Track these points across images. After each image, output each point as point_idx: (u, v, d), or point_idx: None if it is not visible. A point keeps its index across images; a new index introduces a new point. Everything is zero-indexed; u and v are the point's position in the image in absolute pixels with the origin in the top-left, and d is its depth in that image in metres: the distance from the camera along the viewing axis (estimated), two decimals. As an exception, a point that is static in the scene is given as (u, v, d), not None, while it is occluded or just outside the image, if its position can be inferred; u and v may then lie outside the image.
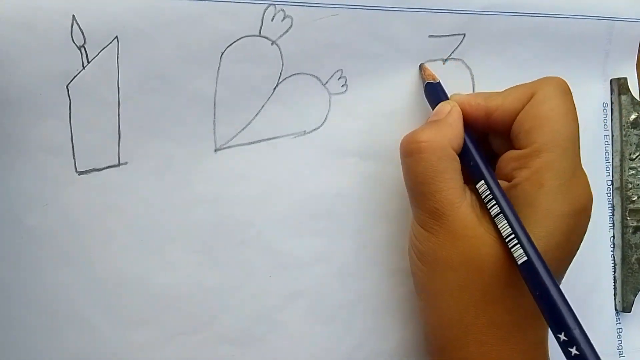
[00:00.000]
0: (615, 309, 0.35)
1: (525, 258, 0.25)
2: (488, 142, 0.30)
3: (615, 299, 0.35)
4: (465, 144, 0.28)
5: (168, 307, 0.28)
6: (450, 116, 0.28)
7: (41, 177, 0.26)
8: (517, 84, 0.29)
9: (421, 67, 0.31)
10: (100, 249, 0.27)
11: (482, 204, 0.27)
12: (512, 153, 0.28)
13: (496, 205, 0.26)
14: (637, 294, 0.35)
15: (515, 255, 0.25)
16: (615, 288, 0.35)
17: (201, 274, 0.29)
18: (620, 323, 0.35)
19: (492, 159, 0.29)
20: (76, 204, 0.27)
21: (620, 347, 0.35)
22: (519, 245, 0.25)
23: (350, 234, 0.31)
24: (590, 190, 0.27)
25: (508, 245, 0.25)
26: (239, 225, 0.29)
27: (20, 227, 0.26)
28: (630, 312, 0.35)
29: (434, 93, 0.30)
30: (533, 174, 0.26)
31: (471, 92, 0.32)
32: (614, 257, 0.35)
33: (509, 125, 0.28)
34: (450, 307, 0.26)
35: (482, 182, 0.27)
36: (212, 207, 0.29)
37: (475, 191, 0.27)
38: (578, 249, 0.27)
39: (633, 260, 0.35)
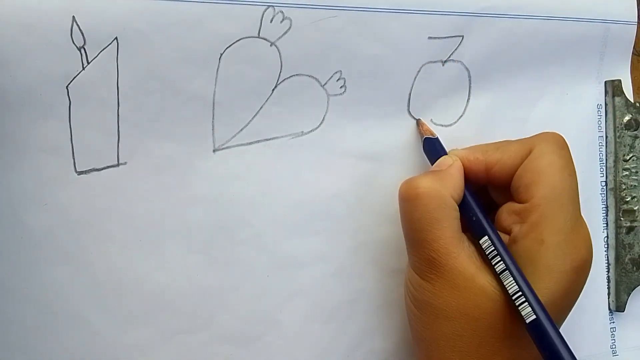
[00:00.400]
0: (609, 309, 0.36)
1: (534, 317, 0.25)
2: (487, 191, 0.31)
3: (609, 298, 0.36)
4: (465, 197, 0.28)
5: (167, 307, 0.29)
6: (452, 168, 0.29)
7: (41, 176, 0.26)
8: (514, 139, 0.30)
9: (418, 123, 0.32)
10: (99, 249, 0.27)
11: (481, 255, 0.27)
12: (512, 206, 0.28)
13: (501, 262, 0.26)
14: (630, 294, 0.35)
15: (523, 313, 0.25)
16: (609, 288, 0.36)
17: (200, 274, 0.29)
18: (613, 322, 0.36)
19: (491, 209, 0.30)
20: (76, 204, 0.27)
21: (614, 346, 0.36)
22: (526, 303, 0.25)
23: (348, 234, 0.31)
24: (590, 243, 0.28)
25: (515, 303, 0.25)
26: (237, 225, 0.29)
27: (20, 226, 0.26)
28: (623, 311, 0.35)
29: (433, 148, 0.31)
30: (533, 229, 0.27)
31: (467, 94, 0.33)
32: (607, 257, 0.36)
33: (509, 179, 0.29)
34: (446, 356, 0.26)
35: (486, 237, 0.27)
36: (211, 207, 0.29)
37: (473, 241, 0.28)
38: (577, 301, 0.28)
39: (626, 260, 0.35)
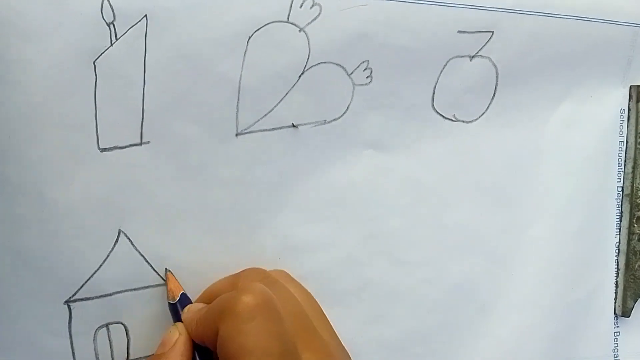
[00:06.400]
0: (615, 313, 0.36)
1: None
2: None
3: (615, 303, 0.36)
4: None
5: (183, 283, 0.29)
6: (172, 352, 0.25)
7: (64, 151, 0.26)
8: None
9: (167, 278, 0.29)
10: (119, 225, 0.27)
11: None
12: None
13: None
14: (637, 300, 0.36)
15: None
16: (616, 293, 0.36)
17: (215, 253, 0.29)
18: (618, 327, 0.36)
19: None
20: (97, 180, 0.27)
21: (616, 350, 0.36)
22: None
23: (360, 223, 0.32)
24: None
25: None
26: (253, 208, 0.30)
27: (42, 199, 0.26)
28: (629, 317, 0.36)
29: (175, 312, 0.28)
30: None
31: (493, 91, 0.33)
32: (617, 263, 0.36)
33: None
34: None
35: None
36: (229, 189, 0.29)
37: None
38: None
39: (636, 267, 0.36)
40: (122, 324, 0.28)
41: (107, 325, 0.28)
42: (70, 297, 0.27)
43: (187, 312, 0.27)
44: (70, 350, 0.28)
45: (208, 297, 0.28)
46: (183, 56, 0.27)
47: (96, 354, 0.28)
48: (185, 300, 0.28)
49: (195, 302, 0.28)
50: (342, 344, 0.29)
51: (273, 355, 0.23)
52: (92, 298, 0.27)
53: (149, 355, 0.28)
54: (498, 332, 0.34)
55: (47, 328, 0.27)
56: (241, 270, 0.29)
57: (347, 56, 0.29)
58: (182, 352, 0.26)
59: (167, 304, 0.28)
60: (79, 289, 0.27)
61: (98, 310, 0.28)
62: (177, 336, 0.26)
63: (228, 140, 0.29)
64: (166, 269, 0.28)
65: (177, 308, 0.27)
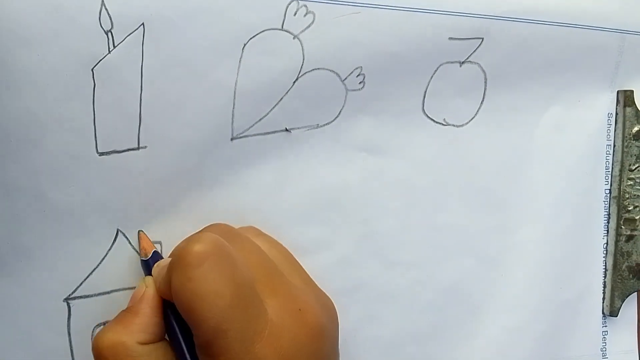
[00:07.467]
0: (603, 313, 0.37)
1: None
2: None
3: (603, 303, 0.37)
4: (173, 330, 0.25)
5: None
6: (140, 304, 0.25)
7: (64, 155, 0.26)
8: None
9: (139, 236, 0.28)
10: (117, 224, 0.28)
11: None
12: None
13: None
14: (624, 300, 0.36)
15: None
16: (604, 293, 0.37)
17: None
18: (606, 326, 0.37)
19: None
20: (96, 183, 0.27)
21: (604, 349, 0.37)
22: None
23: (353, 225, 0.32)
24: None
25: None
26: (247, 210, 0.30)
27: (43, 200, 0.27)
28: (616, 316, 0.36)
29: (147, 269, 0.28)
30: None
31: (482, 96, 0.33)
32: (605, 263, 0.37)
33: None
34: None
35: None
36: (224, 192, 0.30)
37: None
38: None
39: (624, 267, 0.36)
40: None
41: (104, 323, 0.28)
42: (69, 295, 0.28)
43: (156, 267, 0.27)
44: (69, 347, 0.28)
45: None
46: (179, 63, 0.27)
47: (94, 352, 0.28)
48: (157, 257, 0.28)
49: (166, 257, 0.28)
50: (320, 292, 0.28)
51: (225, 298, 0.22)
52: (91, 296, 0.28)
53: None
54: (489, 332, 0.34)
55: (47, 325, 0.28)
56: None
57: (341, 62, 0.30)
58: (150, 305, 0.25)
59: (140, 261, 0.28)
60: (78, 287, 0.28)
61: (96, 308, 0.28)
62: (144, 289, 0.26)
63: (223, 144, 0.29)
64: (139, 230, 0.29)
65: (149, 265, 0.27)
